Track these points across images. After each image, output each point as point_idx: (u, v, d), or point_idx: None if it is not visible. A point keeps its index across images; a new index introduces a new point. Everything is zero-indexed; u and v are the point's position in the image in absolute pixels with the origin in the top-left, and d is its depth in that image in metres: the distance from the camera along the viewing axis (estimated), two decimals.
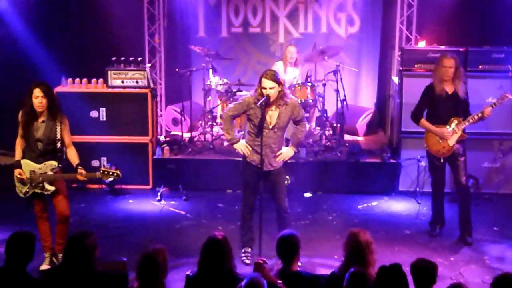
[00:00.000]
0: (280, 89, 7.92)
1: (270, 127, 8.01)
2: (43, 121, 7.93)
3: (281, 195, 8.35)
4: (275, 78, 7.89)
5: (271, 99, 7.89)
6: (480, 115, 8.76)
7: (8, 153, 8.18)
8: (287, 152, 8.27)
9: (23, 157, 8.04)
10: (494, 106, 8.80)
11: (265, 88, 7.85)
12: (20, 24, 11.76)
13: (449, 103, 8.87)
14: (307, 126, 8.65)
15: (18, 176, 7.98)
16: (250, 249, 8.49)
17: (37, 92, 7.82)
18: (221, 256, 5.74)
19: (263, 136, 7.93)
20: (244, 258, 8.42)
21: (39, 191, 8.02)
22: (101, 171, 8.11)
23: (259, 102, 7.80)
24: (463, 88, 8.96)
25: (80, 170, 8.01)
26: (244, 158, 8.30)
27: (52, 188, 8.02)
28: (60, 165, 8.07)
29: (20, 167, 7.99)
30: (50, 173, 7.97)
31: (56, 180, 8.05)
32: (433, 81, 8.98)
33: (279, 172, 8.32)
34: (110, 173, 8.12)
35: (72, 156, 8.15)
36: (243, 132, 10.86)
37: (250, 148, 8.18)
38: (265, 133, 7.96)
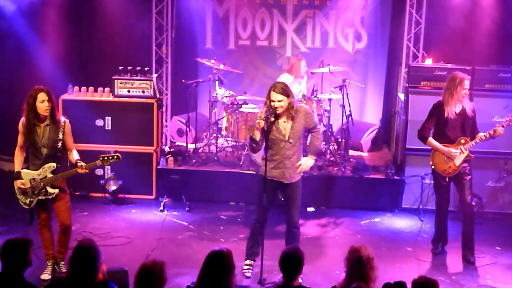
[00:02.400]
0: (289, 101, 7.91)
1: (286, 138, 7.97)
2: (47, 125, 7.92)
3: (294, 210, 8.31)
4: (283, 91, 7.86)
5: (280, 111, 7.88)
6: (491, 133, 8.73)
7: (12, 159, 8.13)
8: (306, 162, 8.25)
9: (27, 167, 8.01)
10: (503, 126, 8.78)
11: (273, 101, 7.83)
12: (27, 32, 11.78)
13: (457, 122, 8.84)
14: (321, 132, 8.62)
15: (21, 187, 7.93)
16: (253, 262, 8.47)
17: (42, 96, 7.80)
18: (222, 271, 5.69)
19: (281, 150, 7.95)
20: (246, 271, 8.40)
21: (43, 197, 8.00)
22: (101, 158, 8.00)
23: (265, 115, 7.79)
24: (471, 106, 8.96)
25: (80, 163, 7.94)
26: (263, 174, 8.21)
27: (56, 191, 7.99)
28: (59, 165, 8.00)
29: (21, 178, 7.95)
30: (50, 175, 7.93)
31: (58, 180, 8.00)
32: (444, 100, 8.86)
33: (296, 186, 8.28)
34: (110, 157, 8.03)
35: (73, 156, 8.11)
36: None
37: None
38: (282, 145, 7.95)
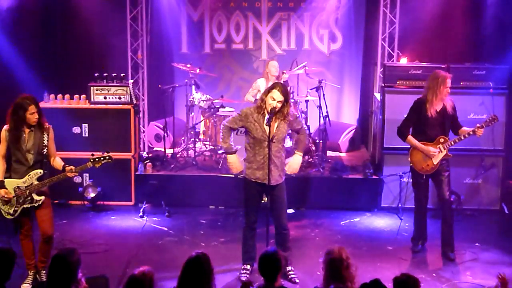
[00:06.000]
0: (285, 105, 7.90)
1: (270, 138, 7.84)
2: (31, 131, 7.83)
3: (282, 212, 8.25)
4: (285, 93, 7.86)
5: (274, 111, 7.83)
6: (470, 134, 8.75)
7: None
8: (295, 160, 8.22)
9: (9, 176, 7.87)
10: (482, 127, 8.79)
11: (273, 99, 7.79)
12: (2, 40, 11.71)
13: (437, 120, 8.84)
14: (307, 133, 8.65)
15: (5, 196, 7.79)
16: (249, 266, 8.40)
17: (33, 108, 7.74)
18: (201, 276, 5.70)
19: (264, 149, 7.90)
20: (242, 275, 8.33)
21: (29, 206, 7.88)
22: (92, 160, 7.95)
23: (267, 121, 7.75)
24: (451, 104, 8.96)
25: (69, 167, 7.88)
26: (247, 176, 8.17)
27: (42, 198, 7.89)
28: (46, 171, 7.92)
29: (4, 187, 7.82)
30: (36, 182, 7.83)
31: (44, 187, 7.89)
32: (428, 98, 8.82)
33: (282, 187, 8.22)
34: (102, 158, 7.98)
35: (58, 162, 8.06)
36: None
37: (243, 166, 8.10)
38: (265, 145, 7.88)
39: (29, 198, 7.87)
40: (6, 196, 7.80)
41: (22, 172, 7.86)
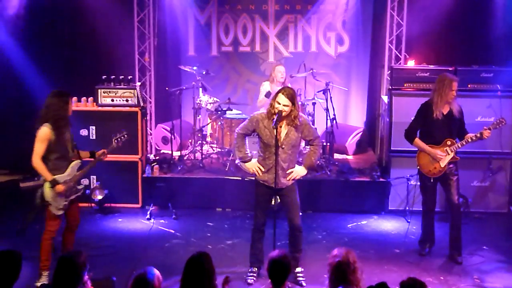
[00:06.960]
0: (292, 109, 7.83)
1: (279, 144, 7.83)
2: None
3: (294, 214, 8.23)
4: (292, 97, 7.80)
5: (282, 115, 7.79)
6: (478, 136, 8.73)
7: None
8: (299, 171, 8.14)
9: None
10: (490, 129, 8.76)
11: (279, 104, 7.76)
12: (10, 43, 11.74)
13: (444, 123, 8.82)
14: (321, 146, 8.51)
15: (63, 192, 7.91)
16: (256, 269, 8.40)
17: (71, 100, 8.09)
18: (202, 275, 5.70)
19: (273, 155, 7.84)
20: (249, 277, 8.32)
21: (74, 196, 8.11)
22: (115, 140, 8.42)
23: (274, 123, 7.68)
24: (458, 107, 8.95)
25: (100, 151, 8.28)
26: (256, 178, 8.19)
27: (82, 186, 8.32)
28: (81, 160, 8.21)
29: (59, 183, 7.87)
30: (77, 173, 8.08)
31: (85, 174, 8.25)
32: (433, 101, 8.81)
33: (292, 189, 8.20)
34: (122, 137, 8.48)
35: (82, 152, 8.31)
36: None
37: (263, 169, 8.06)
38: (274, 150, 7.83)
39: (74, 188, 8.09)
40: (63, 190, 7.94)
41: (64, 167, 7.99)
